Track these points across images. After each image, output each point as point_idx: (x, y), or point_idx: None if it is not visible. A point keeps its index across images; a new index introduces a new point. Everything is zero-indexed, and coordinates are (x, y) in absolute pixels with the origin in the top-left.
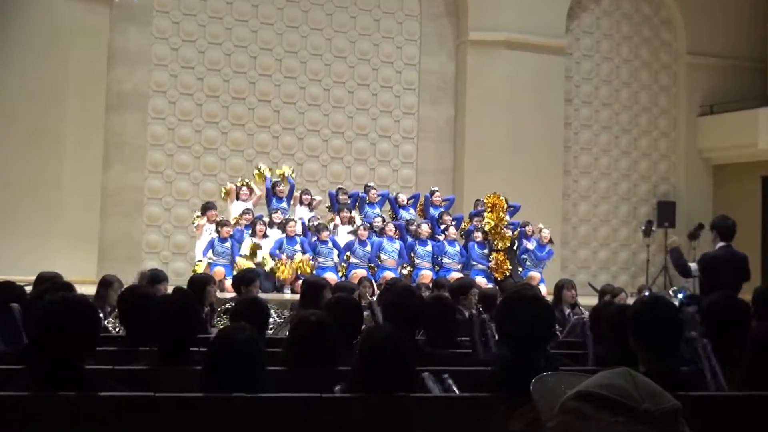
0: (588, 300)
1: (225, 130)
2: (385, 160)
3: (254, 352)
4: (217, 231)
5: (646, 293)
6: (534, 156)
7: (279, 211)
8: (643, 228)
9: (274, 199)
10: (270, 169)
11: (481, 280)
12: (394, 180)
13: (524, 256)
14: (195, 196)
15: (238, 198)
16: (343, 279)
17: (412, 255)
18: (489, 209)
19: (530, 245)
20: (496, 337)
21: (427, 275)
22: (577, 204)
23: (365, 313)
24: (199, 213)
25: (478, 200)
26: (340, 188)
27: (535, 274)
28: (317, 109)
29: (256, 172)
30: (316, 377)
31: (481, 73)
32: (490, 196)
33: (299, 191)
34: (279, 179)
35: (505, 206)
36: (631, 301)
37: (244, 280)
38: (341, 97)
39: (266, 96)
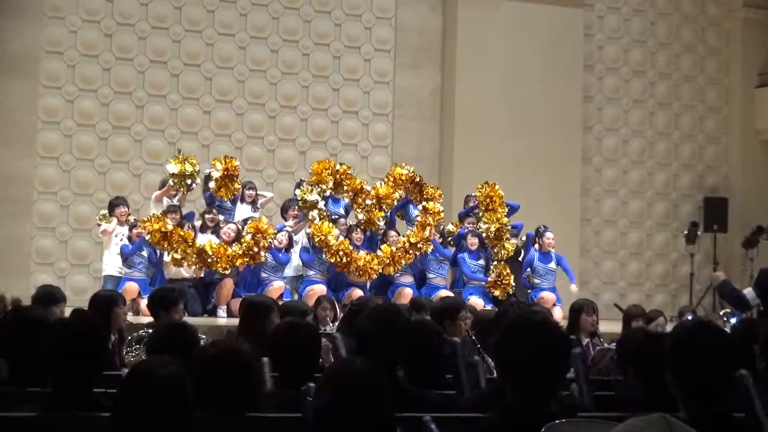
0: (614, 326)
1: (140, 103)
2: (351, 143)
3: (179, 392)
4: (129, 236)
5: (689, 317)
6: (544, 138)
7: (214, 212)
8: (686, 232)
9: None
10: (184, 160)
11: (476, 301)
12: (363, 169)
13: (528, 272)
14: (101, 189)
15: (243, 200)
16: (296, 298)
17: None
18: (484, 207)
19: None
20: (494, 372)
21: (405, 293)
22: (600, 201)
23: (325, 343)
24: (105, 212)
25: (469, 196)
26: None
27: (548, 294)
28: (261, 76)
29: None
30: (237, 425)
31: (475, 30)
32: (482, 187)
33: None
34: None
35: (504, 202)
36: (671, 327)
37: (164, 301)
38: (293, 60)
39: (194, 59)
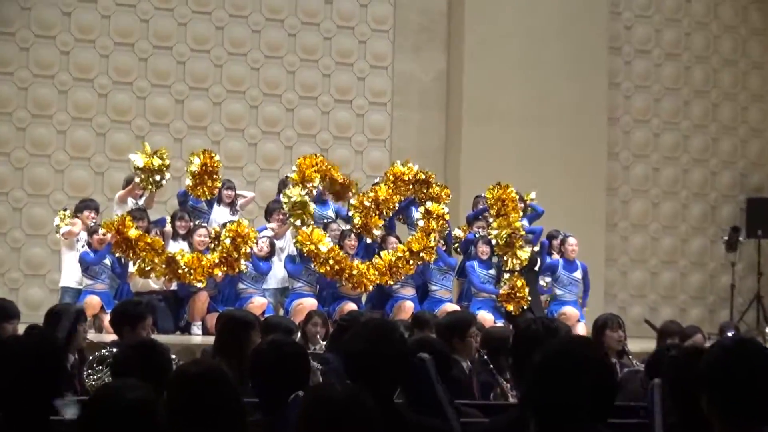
0: (644, 344)
1: (104, 91)
2: (344, 136)
3: (148, 420)
4: (89, 242)
5: (730, 334)
6: (564, 131)
7: (186, 218)
8: (726, 238)
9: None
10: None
11: (485, 316)
12: (358, 166)
13: (547, 280)
14: (58, 188)
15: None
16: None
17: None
18: (495, 211)
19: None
20: (509, 396)
21: (406, 307)
22: (628, 202)
23: (314, 365)
24: (66, 211)
25: (478, 197)
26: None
27: (571, 309)
28: (242, 60)
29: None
30: None
31: (485, 8)
32: (494, 189)
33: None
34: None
35: (518, 205)
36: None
37: (128, 316)
38: (278, 41)
39: (166, 40)
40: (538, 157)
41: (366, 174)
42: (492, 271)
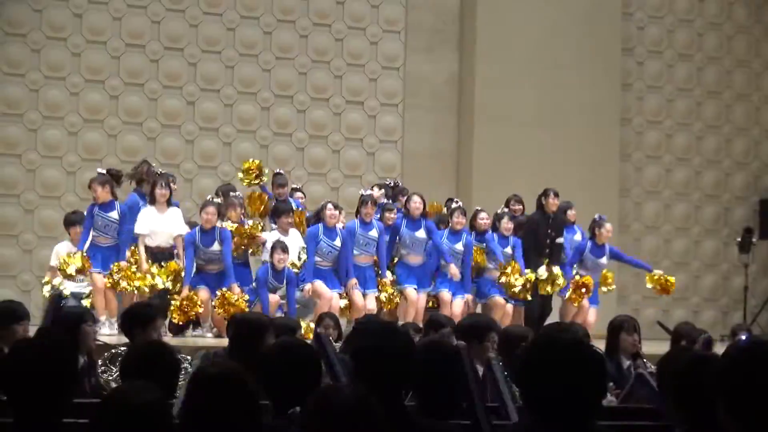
0: (657, 347)
1: (115, 93)
2: (355, 137)
3: (158, 423)
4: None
5: (743, 337)
6: (576, 132)
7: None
8: (739, 239)
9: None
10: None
11: (497, 300)
12: (369, 168)
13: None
14: (69, 190)
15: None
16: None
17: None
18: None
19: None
20: (518, 400)
21: (410, 297)
22: (640, 204)
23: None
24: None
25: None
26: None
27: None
28: (252, 62)
29: None
30: None
31: (498, 9)
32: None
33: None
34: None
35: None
36: (721, 349)
37: (139, 317)
38: (289, 42)
39: (176, 42)
40: (551, 158)
41: (377, 175)
42: (507, 250)
